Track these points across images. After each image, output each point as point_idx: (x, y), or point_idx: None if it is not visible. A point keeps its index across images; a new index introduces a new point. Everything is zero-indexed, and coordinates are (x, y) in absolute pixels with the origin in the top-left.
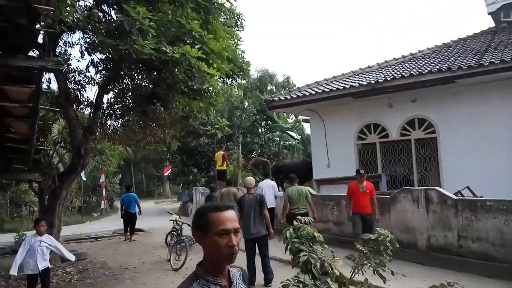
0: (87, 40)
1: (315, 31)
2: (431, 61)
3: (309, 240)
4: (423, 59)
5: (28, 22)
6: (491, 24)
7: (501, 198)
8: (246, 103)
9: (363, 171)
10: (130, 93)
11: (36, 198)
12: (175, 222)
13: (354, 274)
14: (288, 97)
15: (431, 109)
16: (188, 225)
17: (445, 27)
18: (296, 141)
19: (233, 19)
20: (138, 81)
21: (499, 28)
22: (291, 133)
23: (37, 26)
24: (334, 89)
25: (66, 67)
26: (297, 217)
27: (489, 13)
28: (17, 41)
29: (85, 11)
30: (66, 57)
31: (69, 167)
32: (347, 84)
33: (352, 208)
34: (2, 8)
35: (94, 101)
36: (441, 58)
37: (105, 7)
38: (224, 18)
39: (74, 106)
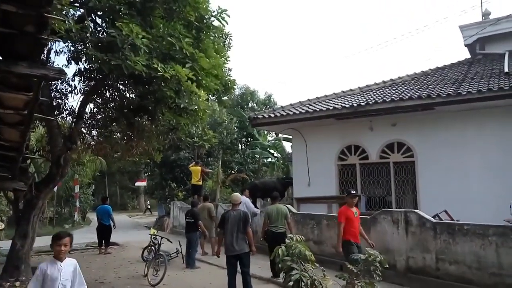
0: (71, 48)
1: (294, 49)
2: (411, 87)
3: (301, 259)
4: (403, 85)
5: (35, 30)
6: (467, 55)
7: (476, 222)
8: (227, 119)
9: (354, 192)
10: (113, 104)
11: (6, 208)
12: (153, 237)
13: None
14: (272, 115)
15: (410, 133)
16: (168, 240)
17: (420, 55)
18: (276, 158)
19: (222, 38)
20: (124, 92)
21: (475, 59)
22: (271, 150)
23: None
24: (318, 110)
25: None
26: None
27: (465, 45)
28: (20, 48)
29: (75, 19)
30: (50, 64)
31: (47, 176)
32: (330, 106)
33: (346, 237)
34: (10, 15)
35: (76, 110)
36: (420, 85)
37: (94, 17)
38: (213, 37)
39: (56, 115)
